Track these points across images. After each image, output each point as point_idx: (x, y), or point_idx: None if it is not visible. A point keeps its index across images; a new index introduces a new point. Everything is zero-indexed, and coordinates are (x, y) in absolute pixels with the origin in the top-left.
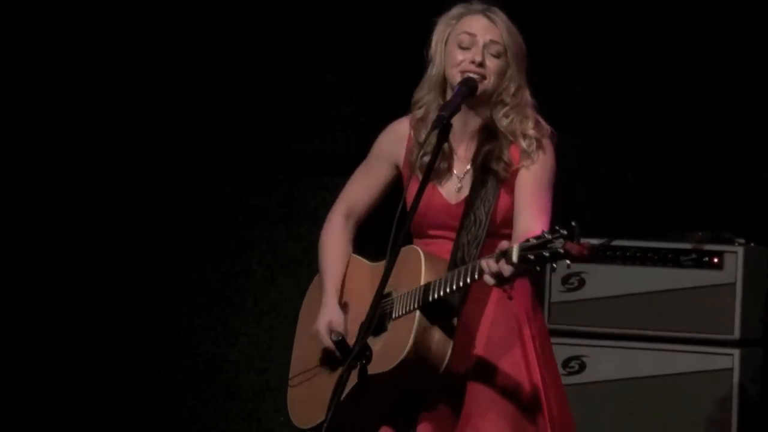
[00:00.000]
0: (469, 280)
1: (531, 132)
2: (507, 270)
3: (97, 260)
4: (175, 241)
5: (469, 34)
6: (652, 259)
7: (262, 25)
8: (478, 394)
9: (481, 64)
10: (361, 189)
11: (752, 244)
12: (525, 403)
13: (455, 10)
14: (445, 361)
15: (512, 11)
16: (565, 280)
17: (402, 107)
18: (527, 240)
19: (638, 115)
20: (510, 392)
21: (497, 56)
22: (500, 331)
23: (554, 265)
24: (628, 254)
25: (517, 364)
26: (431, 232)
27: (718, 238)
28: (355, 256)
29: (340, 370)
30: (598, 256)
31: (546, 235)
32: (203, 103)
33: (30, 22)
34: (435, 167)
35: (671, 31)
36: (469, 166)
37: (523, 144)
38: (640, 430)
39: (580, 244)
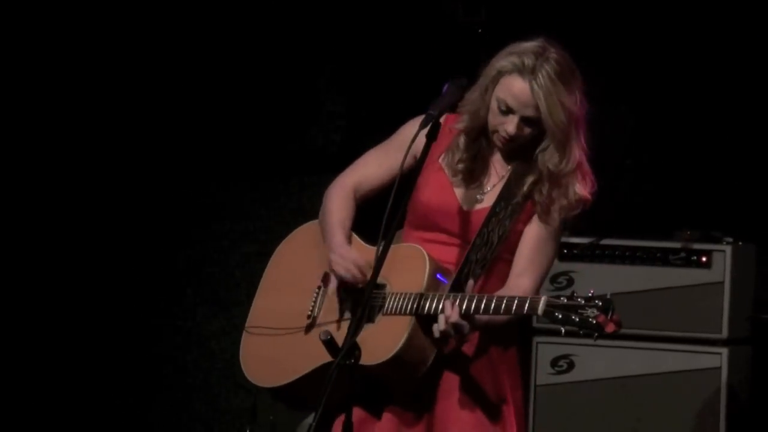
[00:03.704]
0: (482, 312)
1: (582, 190)
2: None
3: (90, 259)
4: (159, 239)
5: (508, 105)
6: (640, 258)
7: (251, 27)
8: (450, 396)
9: (514, 137)
10: (374, 168)
11: (740, 243)
12: (491, 411)
13: (510, 60)
14: (425, 368)
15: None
16: (553, 279)
17: (389, 108)
18: (558, 297)
19: (627, 115)
20: (479, 402)
21: (531, 125)
22: (472, 344)
23: (581, 332)
24: (616, 253)
25: (484, 379)
26: (433, 232)
27: (706, 237)
28: (353, 233)
29: (308, 337)
30: (586, 255)
31: (579, 300)
32: (192, 103)
33: (27, 22)
34: (461, 170)
35: (662, 32)
36: (498, 182)
37: (572, 199)
38: (629, 428)
39: (613, 319)
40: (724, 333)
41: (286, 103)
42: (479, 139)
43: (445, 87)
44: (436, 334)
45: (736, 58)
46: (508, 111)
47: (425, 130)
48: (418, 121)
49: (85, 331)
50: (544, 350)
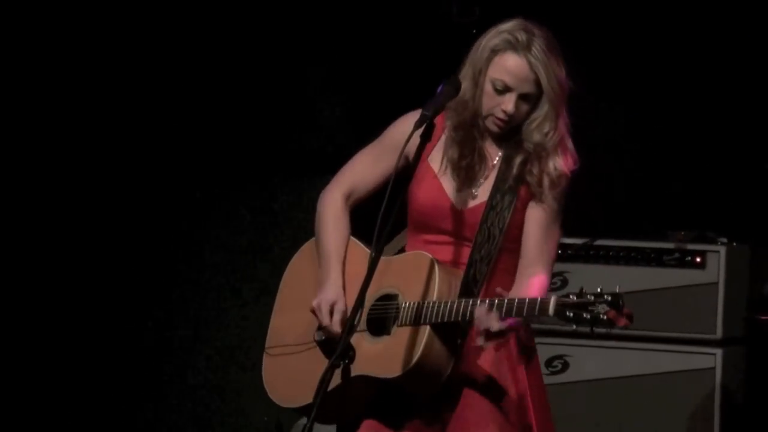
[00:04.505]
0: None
1: (560, 164)
2: (497, 325)
3: (88, 260)
4: (157, 241)
5: (506, 83)
6: (634, 259)
7: (246, 29)
8: (469, 404)
9: (512, 115)
10: (365, 172)
11: (734, 244)
12: (512, 413)
13: (502, 38)
14: (443, 378)
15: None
16: None
17: (391, 106)
18: (567, 295)
19: (621, 115)
20: (498, 402)
21: (528, 101)
22: (490, 350)
23: (593, 329)
24: (611, 254)
25: (504, 377)
26: (434, 233)
27: (700, 237)
28: (353, 238)
29: (323, 353)
30: (581, 255)
31: (588, 297)
32: (187, 105)
33: (29, 22)
34: (464, 166)
35: (657, 32)
36: (489, 175)
37: (553, 175)
38: (623, 429)
39: (624, 313)
40: (719, 333)
41: (282, 105)
42: (470, 132)
43: (440, 87)
44: (481, 343)
45: (730, 59)
46: (505, 90)
47: (420, 131)
48: (405, 119)
49: (83, 330)
50: (539, 350)
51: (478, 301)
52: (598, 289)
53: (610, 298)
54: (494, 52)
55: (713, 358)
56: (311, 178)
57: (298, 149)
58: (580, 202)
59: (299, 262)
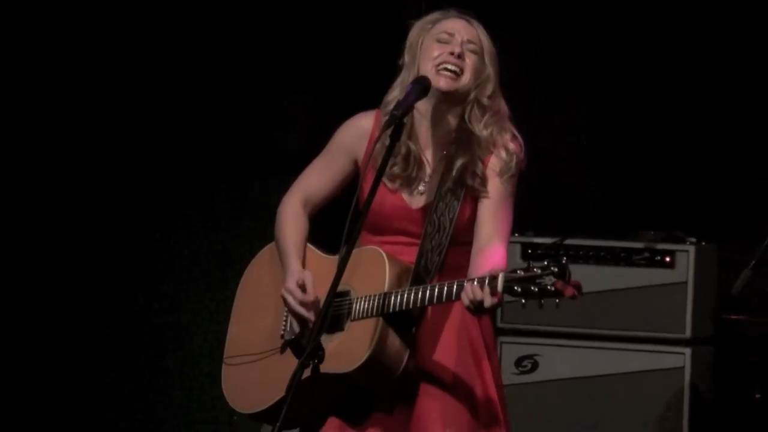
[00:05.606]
0: (444, 300)
1: (511, 146)
2: (489, 301)
3: (62, 256)
4: (126, 238)
5: (448, 33)
6: (604, 258)
7: (213, 28)
8: (430, 395)
9: (460, 56)
10: (318, 179)
11: (703, 243)
12: (479, 410)
13: (432, 15)
14: (401, 369)
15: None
16: None
17: (357, 105)
18: (514, 271)
19: (592, 115)
20: (462, 397)
21: (474, 53)
22: (454, 339)
23: (542, 301)
24: (581, 253)
25: (470, 370)
26: (390, 234)
27: (669, 237)
28: (308, 244)
29: (286, 356)
30: (551, 254)
31: (535, 270)
32: (155, 104)
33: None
34: (404, 174)
35: (630, 33)
36: (435, 170)
37: (504, 157)
38: (593, 428)
39: (571, 283)
40: (688, 333)
41: (247, 104)
42: (407, 132)
43: (409, 87)
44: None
45: (703, 61)
46: (449, 39)
47: (390, 131)
48: (351, 123)
49: (62, 326)
50: (508, 350)
51: (428, 287)
52: (545, 262)
53: (556, 269)
54: (431, 22)
55: (682, 358)
56: (280, 177)
57: (266, 149)
58: (551, 201)
59: (254, 271)
